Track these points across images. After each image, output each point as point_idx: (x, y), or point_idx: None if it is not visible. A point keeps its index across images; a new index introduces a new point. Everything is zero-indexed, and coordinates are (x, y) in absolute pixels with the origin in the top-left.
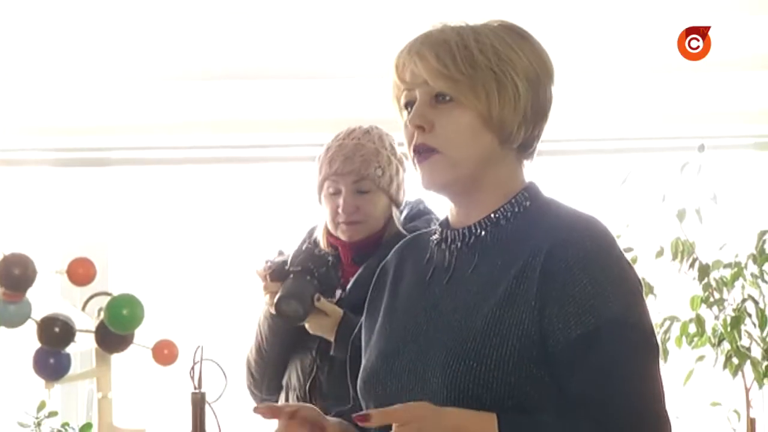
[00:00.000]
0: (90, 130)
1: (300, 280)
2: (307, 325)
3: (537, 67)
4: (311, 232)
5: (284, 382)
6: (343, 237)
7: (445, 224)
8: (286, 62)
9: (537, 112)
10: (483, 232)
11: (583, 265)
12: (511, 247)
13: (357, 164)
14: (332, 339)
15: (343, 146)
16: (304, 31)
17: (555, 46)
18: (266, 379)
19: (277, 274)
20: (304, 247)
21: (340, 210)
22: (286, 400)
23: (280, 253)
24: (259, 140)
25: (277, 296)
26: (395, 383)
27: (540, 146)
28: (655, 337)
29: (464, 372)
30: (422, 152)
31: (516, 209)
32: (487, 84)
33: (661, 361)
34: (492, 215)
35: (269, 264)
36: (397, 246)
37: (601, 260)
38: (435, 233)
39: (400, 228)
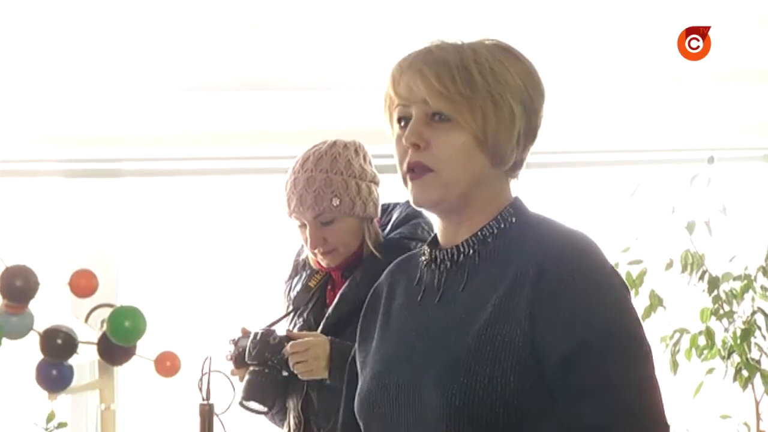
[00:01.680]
0: (101, 141)
1: (257, 376)
2: (300, 377)
3: (530, 89)
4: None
5: (286, 404)
6: (323, 264)
7: (433, 243)
8: (298, 74)
9: (528, 134)
10: (471, 251)
11: (571, 281)
12: (499, 264)
13: (310, 201)
14: (326, 374)
15: (296, 182)
16: (316, 43)
17: (563, 58)
18: (275, 415)
19: (239, 362)
20: (259, 336)
21: (308, 246)
22: (288, 420)
23: (244, 333)
24: (270, 152)
25: (240, 396)
26: (391, 403)
27: (549, 158)
28: (647, 343)
29: (459, 389)
30: (416, 170)
31: (502, 225)
32: (485, 106)
33: (670, 374)
34: (479, 233)
35: (232, 348)
36: (387, 269)
37: (590, 276)
38: (424, 254)
39: (371, 244)
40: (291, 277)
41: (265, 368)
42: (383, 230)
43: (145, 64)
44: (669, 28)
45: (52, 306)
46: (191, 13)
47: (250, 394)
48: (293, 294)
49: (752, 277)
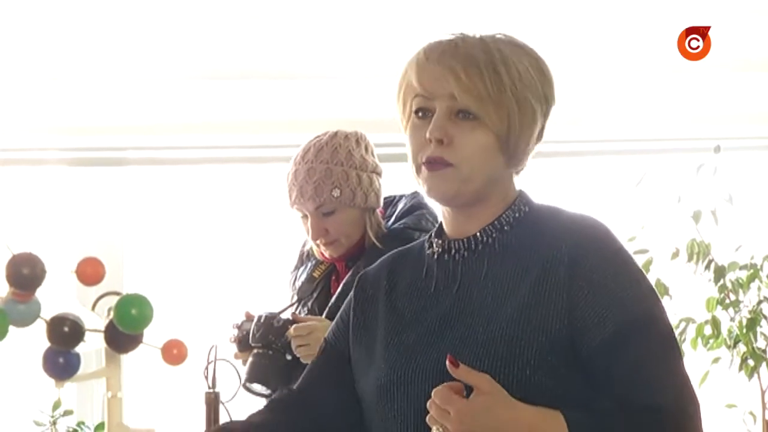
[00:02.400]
0: (106, 129)
1: (261, 358)
2: (302, 360)
3: (545, 88)
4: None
5: None
6: (326, 255)
7: (439, 234)
8: (303, 63)
9: (540, 135)
10: (489, 240)
11: (605, 266)
12: (524, 252)
13: (311, 192)
14: None
15: (297, 174)
16: (319, 32)
17: (570, 48)
18: None
19: (243, 345)
20: (263, 319)
21: (310, 237)
22: None
23: (248, 316)
24: (275, 140)
25: (243, 379)
26: (418, 388)
27: (556, 147)
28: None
29: (495, 372)
30: (436, 163)
31: (516, 215)
32: (510, 108)
33: None
34: (495, 222)
35: (236, 332)
36: (382, 260)
37: (620, 261)
38: (431, 246)
39: (373, 235)
40: (296, 268)
41: (269, 350)
42: (387, 221)
43: (150, 52)
44: (677, 18)
45: (58, 294)
46: (195, 2)
47: (253, 375)
48: (298, 284)
49: (758, 267)
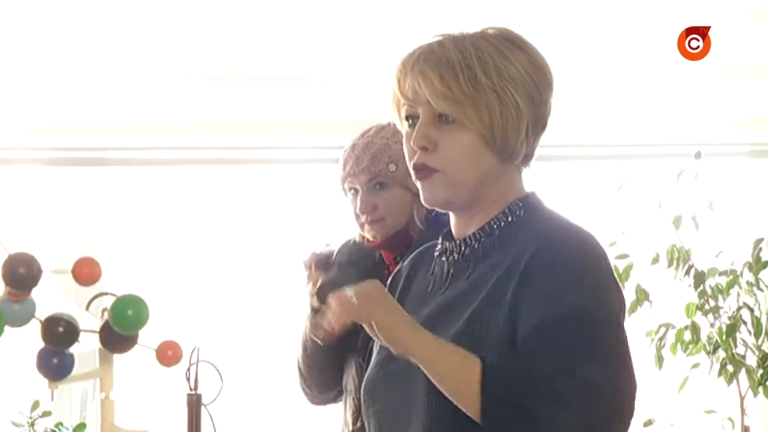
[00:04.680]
0: (86, 129)
1: (344, 270)
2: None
3: (537, 79)
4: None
5: (343, 385)
6: (368, 236)
7: (447, 235)
8: (284, 64)
9: (537, 125)
10: (476, 243)
11: (557, 264)
12: (499, 253)
13: (366, 163)
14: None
15: (355, 147)
16: (300, 32)
17: (551, 51)
18: (314, 376)
19: (322, 263)
20: (352, 241)
21: (358, 210)
22: (345, 402)
23: (327, 245)
24: (256, 142)
25: (319, 283)
26: (386, 387)
27: (537, 152)
28: (622, 328)
29: None
30: (422, 170)
31: (509, 218)
32: (490, 105)
33: (655, 368)
34: (486, 226)
35: (315, 254)
36: (410, 258)
37: (578, 262)
38: (438, 246)
39: (419, 223)
40: None
41: (352, 266)
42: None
43: (131, 52)
44: (657, 25)
45: (41, 294)
46: (174, 2)
47: (332, 282)
48: None
49: (738, 273)
